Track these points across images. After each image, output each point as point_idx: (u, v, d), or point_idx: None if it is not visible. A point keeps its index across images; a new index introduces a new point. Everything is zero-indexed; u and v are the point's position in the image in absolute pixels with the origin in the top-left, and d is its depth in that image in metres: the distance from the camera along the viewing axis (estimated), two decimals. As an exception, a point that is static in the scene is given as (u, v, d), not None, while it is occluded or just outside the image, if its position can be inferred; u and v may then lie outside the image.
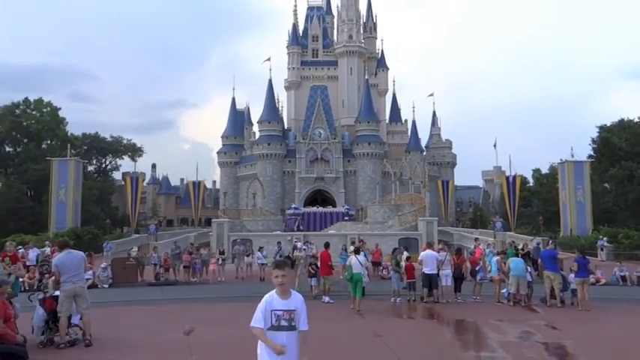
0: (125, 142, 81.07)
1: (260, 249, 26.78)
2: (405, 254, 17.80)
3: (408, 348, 9.63)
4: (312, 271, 17.87)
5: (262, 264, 24.82)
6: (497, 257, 17.23)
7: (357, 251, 16.10)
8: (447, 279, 16.70)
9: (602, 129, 60.26)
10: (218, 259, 25.37)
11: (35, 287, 17.58)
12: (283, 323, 4.88)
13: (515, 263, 16.00)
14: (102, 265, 22.53)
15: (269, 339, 4.84)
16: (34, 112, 65.39)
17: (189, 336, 10.78)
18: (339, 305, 15.82)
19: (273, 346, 4.81)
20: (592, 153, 59.01)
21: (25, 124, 63.35)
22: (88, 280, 21.87)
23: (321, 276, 17.12)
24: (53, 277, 11.01)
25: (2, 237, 37.04)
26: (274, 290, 5.00)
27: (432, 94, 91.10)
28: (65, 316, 9.58)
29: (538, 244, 24.88)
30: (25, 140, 64.20)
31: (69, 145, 52.24)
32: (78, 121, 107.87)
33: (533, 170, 74.97)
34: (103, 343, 9.88)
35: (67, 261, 9.74)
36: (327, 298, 16.43)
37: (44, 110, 65.60)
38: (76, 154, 55.72)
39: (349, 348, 9.75)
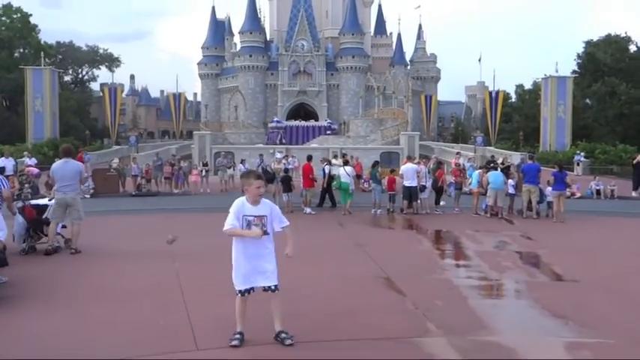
0: (102, 51, 78.36)
1: (242, 161, 26.74)
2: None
3: (387, 256, 9.80)
4: (287, 187, 17.97)
5: (333, 176, 24.84)
6: (479, 170, 17.40)
7: (345, 163, 17.70)
8: (425, 192, 16.94)
9: (589, 44, 59.55)
10: (201, 171, 25.30)
11: (15, 196, 17.45)
12: (254, 229, 4.99)
13: (494, 177, 16.19)
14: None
15: (245, 230, 4.98)
16: (3, 19, 62.34)
17: (172, 245, 11.00)
18: (320, 216, 16.04)
19: (253, 233, 4.96)
20: (576, 69, 58.65)
21: (-5, 30, 60.61)
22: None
23: (303, 188, 17.21)
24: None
25: (-20, 148, 36.34)
26: (243, 197, 5.10)
27: (419, 6, 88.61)
28: (55, 223, 9.68)
29: (522, 159, 25.16)
30: (-3, 48, 61.64)
31: (42, 53, 50.29)
32: (51, 29, 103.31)
33: (516, 86, 74.63)
34: (86, 250, 9.90)
35: (62, 170, 9.76)
36: (308, 210, 16.63)
37: (14, 17, 62.50)
38: (51, 64, 53.89)
39: (330, 257, 9.91)
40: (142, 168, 25.00)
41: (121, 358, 4.87)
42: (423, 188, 16.83)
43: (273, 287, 5.06)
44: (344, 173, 16.90)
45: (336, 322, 5.88)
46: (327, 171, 17.93)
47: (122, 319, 6.09)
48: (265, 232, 5.01)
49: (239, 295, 5.05)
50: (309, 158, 18.13)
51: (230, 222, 5.02)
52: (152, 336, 5.48)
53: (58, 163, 9.93)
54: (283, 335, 5.05)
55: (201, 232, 12.53)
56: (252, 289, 5.07)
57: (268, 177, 16.67)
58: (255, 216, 4.99)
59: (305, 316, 5.99)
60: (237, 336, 5.05)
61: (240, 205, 5.04)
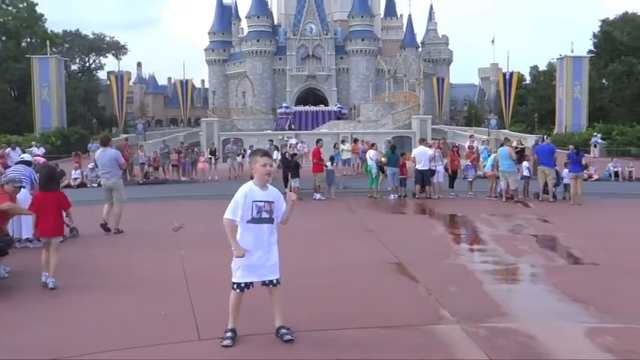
0: (108, 39, 78.22)
1: (251, 147, 26.53)
2: (374, 152, 17.69)
3: (399, 241, 9.65)
4: (295, 172, 17.80)
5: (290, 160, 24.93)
6: (495, 154, 17.06)
7: (371, 146, 18.45)
8: (439, 175, 16.72)
9: (605, 23, 58.48)
10: (210, 158, 25.21)
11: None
12: (264, 215, 4.73)
13: (501, 153, 15.84)
14: (89, 166, 22.32)
15: (237, 240, 4.72)
16: (9, 8, 62.34)
17: (178, 232, 10.95)
18: (330, 202, 15.93)
19: (238, 249, 4.68)
20: (592, 48, 57.64)
21: (1, 20, 60.62)
22: (76, 179, 21.82)
23: (313, 173, 17.05)
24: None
25: (-11, 138, 36.47)
26: (251, 181, 4.80)
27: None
28: (108, 204, 10.98)
29: (536, 141, 24.80)
30: (4, 38, 61.72)
31: (48, 42, 50.27)
32: (57, 16, 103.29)
33: (530, 67, 73.65)
34: (95, 238, 9.92)
35: (101, 158, 11.10)
36: (317, 195, 16.51)
37: (20, 6, 62.48)
38: (57, 53, 53.75)
39: (340, 243, 9.75)
40: (149, 156, 24.97)
41: (120, 347, 4.77)
42: (433, 172, 16.60)
43: (275, 281, 4.80)
44: (368, 157, 17.66)
45: (344, 309, 5.74)
46: (280, 153, 18.36)
47: (123, 306, 5.99)
48: (271, 220, 4.77)
49: (236, 289, 4.76)
50: (319, 142, 17.99)
51: (232, 211, 4.70)
52: (152, 325, 5.37)
53: (97, 152, 11.45)
54: (283, 331, 4.78)
55: (207, 220, 12.42)
56: (252, 284, 4.78)
57: (286, 163, 16.68)
58: (265, 202, 4.71)
59: (311, 303, 5.84)
60: (229, 334, 4.77)
61: (248, 190, 4.73)
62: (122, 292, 6.57)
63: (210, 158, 25.31)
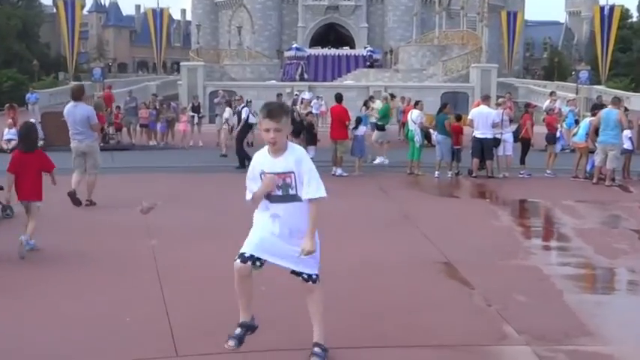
0: (54, -49, 78.41)
1: (248, 104, 26.57)
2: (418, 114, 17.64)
3: (448, 234, 9.70)
4: (311, 138, 17.87)
5: (251, 125, 24.90)
6: (591, 118, 16.79)
7: (414, 106, 18.50)
8: (506, 146, 16.65)
9: None
10: (193, 117, 25.33)
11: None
12: (276, 191, 4.74)
13: (607, 116, 15.49)
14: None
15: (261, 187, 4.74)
16: None
17: (148, 214, 11.08)
18: (355, 180, 16.02)
19: (267, 184, 4.71)
20: None
21: None
22: (11, 140, 22.15)
23: (333, 140, 17.05)
24: None
25: None
26: (266, 146, 4.81)
27: None
28: (77, 172, 11.84)
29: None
30: None
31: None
32: None
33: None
34: (41, 220, 10.01)
35: (71, 115, 11.83)
36: (339, 171, 16.57)
37: None
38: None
39: (369, 235, 9.82)
40: (103, 112, 25.15)
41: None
42: (499, 142, 16.54)
43: (314, 277, 4.84)
44: (409, 119, 17.69)
45: (373, 323, 5.82)
46: (244, 115, 18.64)
47: (75, 313, 6.11)
48: (289, 197, 4.72)
49: (237, 259, 4.67)
50: (339, 98, 17.89)
51: (249, 189, 4.82)
52: (116, 335, 5.49)
53: (67, 108, 12.05)
54: (316, 350, 4.86)
55: (188, 201, 12.57)
56: (262, 261, 4.71)
57: (297, 127, 16.74)
58: (276, 173, 4.70)
59: (332, 315, 5.90)
60: (237, 331, 4.84)
61: (259, 158, 4.80)
62: (71, 295, 6.71)
63: (193, 117, 25.40)
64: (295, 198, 4.73)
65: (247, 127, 18.90)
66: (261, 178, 4.72)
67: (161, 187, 14.47)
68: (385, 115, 21.65)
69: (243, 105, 19.14)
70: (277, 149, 4.71)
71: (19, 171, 8.39)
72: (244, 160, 17.47)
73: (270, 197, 4.75)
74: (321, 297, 4.93)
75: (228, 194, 12.88)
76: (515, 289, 6.94)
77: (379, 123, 21.20)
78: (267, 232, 4.73)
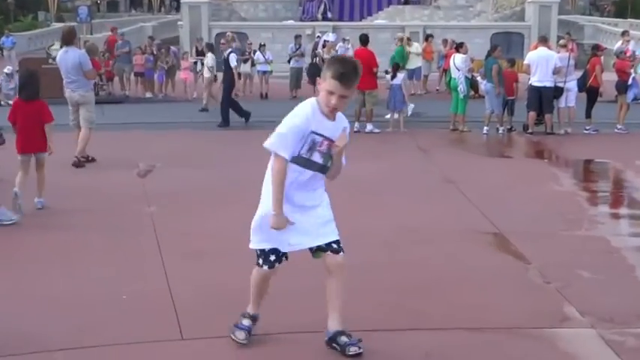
0: None
1: (261, 48, 26.49)
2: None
3: (498, 201, 9.67)
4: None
5: (264, 72, 24.80)
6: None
7: (457, 49, 17.81)
8: (569, 96, 16.45)
9: None
10: (196, 64, 25.23)
11: None
12: (316, 158, 4.70)
13: None
14: (5, 71, 22.65)
15: (280, 196, 4.62)
16: None
17: (145, 178, 11.14)
18: (387, 137, 15.97)
19: (278, 217, 4.60)
20: None
21: None
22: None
23: (359, 90, 16.90)
24: None
25: None
26: (315, 99, 4.73)
27: None
28: (76, 126, 12.38)
29: None
30: None
31: None
32: None
33: None
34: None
35: (63, 61, 12.26)
36: (370, 126, 16.50)
37: None
38: None
39: (405, 201, 9.78)
40: (100, 59, 25.17)
41: (63, 347, 4.96)
42: (561, 92, 16.33)
43: (335, 245, 4.78)
44: (452, 65, 17.40)
45: (411, 301, 5.83)
46: (232, 63, 18.22)
47: (66, 288, 6.18)
48: (324, 168, 4.77)
49: (262, 265, 4.82)
50: (365, 40, 17.62)
51: (281, 143, 4.59)
52: (112, 313, 5.56)
53: (59, 54, 12.55)
54: (344, 340, 4.81)
55: (189, 162, 12.57)
56: (285, 255, 4.83)
57: (315, 72, 16.68)
58: (325, 138, 4.68)
59: (362, 291, 5.90)
60: (245, 323, 4.97)
61: (310, 112, 4.68)
62: (62, 269, 6.79)
63: (196, 63, 25.29)
64: (326, 170, 4.79)
65: (236, 76, 18.68)
66: (308, 139, 4.63)
67: (159, 146, 14.46)
68: (401, 60, 21.32)
69: (230, 50, 18.83)
70: (334, 114, 4.72)
71: (20, 121, 8.98)
72: (229, 117, 17.57)
73: (309, 163, 4.70)
74: (346, 271, 4.89)
75: (235, 154, 12.96)
76: (579, 263, 6.93)
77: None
78: (285, 219, 4.65)
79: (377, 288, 6.10)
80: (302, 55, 24.98)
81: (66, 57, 12.15)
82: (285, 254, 4.81)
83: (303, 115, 4.64)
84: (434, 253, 7.31)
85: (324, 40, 26.52)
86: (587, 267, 6.83)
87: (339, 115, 4.77)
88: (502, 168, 13.20)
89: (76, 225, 8.42)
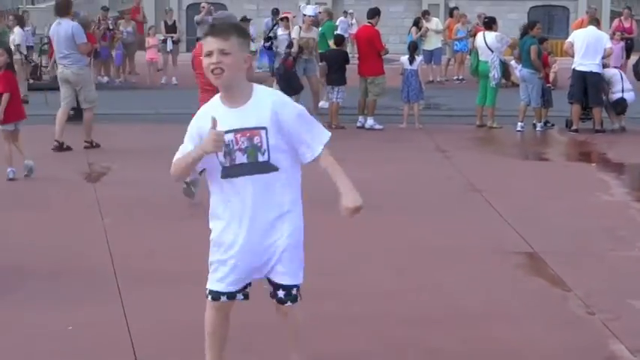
0: None
1: (244, 22, 26.48)
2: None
3: (533, 213, 9.75)
4: (338, 76, 17.70)
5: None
6: None
7: (488, 25, 17.77)
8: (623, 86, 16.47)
9: None
10: (165, 42, 25.20)
11: None
12: (240, 158, 4.51)
13: None
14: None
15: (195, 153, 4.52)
16: None
17: (97, 182, 11.21)
18: (398, 135, 16.01)
19: (208, 146, 4.39)
20: None
21: None
22: None
23: (362, 76, 16.92)
24: None
25: None
26: (218, 95, 4.62)
27: None
28: (63, 107, 13.73)
29: None
30: None
31: None
32: None
33: None
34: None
35: (55, 35, 13.58)
36: (370, 121, 16.46)
37: None
38: None
39: (421, 212, 9.89)
40: (42, 35, 25.18)
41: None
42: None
43: (288, 290, 4.70)
44: (482, 42, 17.30)
45: (426, 334, 5.92)
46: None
47: (9, 316, 6.25)
48: (260, 167, 4.51)
49: (209, 298, 4.76)
50: (373, 14, 17.65)
51: (180, 151, 4.71)
52: (56, 348, 5.66)
53: (52, 27, 13.89)
54: None
55: (152, 163, 12.58)
56: (239, 292, 4.74)
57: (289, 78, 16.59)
58: (236, 130, 4.46)
59: (368, 320, 6.04)
60: None
61: (206, 111, 4.64)
62: (7, 290, 6.90)
63: (165, 41, 25.25)
64: (268, 167, 4.54)
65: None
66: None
67: (116, 143, 14.49)
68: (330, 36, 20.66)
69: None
70: (233, 92, 4.53)
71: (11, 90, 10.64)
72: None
73: (228, 170, 4.54)
74: (300, 315, 4.87)
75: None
76: (630, 290, 6.99)
77: None
78: (234, 249, 4.58)
79: (385, 321, 6.17)
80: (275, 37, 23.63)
81: (58, 29, 13.36)
82: (235, 293, 4.75)
83: (194, 121, 4.67)
84: (455, 279, 7.38)
85: (305, 15, 25.96)
86: (638, 296, 6.91)
87: (258, 92, 4.59)
88: (539, 174, 13.27)
89: (9, 234, 8.53)
